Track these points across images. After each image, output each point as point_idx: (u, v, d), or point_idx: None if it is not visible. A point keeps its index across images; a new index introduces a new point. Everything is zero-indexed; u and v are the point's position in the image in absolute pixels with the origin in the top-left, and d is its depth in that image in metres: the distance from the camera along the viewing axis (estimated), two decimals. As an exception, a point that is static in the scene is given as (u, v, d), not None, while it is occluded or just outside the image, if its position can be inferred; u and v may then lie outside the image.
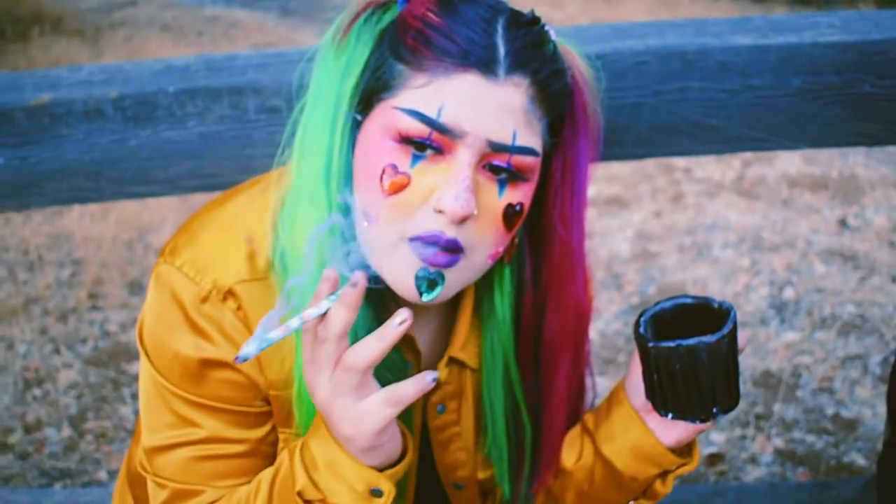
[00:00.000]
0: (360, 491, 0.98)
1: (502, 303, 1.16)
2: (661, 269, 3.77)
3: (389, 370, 1.08)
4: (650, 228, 4.15)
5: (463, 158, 0.97)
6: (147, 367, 1.10)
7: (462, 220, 0.97)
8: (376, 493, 0.99)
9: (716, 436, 2.72)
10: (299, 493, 1.00)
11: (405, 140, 0.97)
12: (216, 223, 1.10)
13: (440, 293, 1.01)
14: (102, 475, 2.76)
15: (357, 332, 1.04)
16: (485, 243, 1.02)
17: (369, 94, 1.01)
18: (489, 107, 0.96)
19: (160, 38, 7.85)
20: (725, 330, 1.05)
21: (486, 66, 0.96)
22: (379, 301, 1.07)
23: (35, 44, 7.53)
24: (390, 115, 0.98)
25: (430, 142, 0.97)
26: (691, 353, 1.04)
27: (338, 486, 0.98)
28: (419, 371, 1.15)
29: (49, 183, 1.39)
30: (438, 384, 1.18)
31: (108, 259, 4.00)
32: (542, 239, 1.13)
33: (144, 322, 1.10)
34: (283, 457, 1.03)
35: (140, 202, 4.20)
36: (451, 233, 0.98)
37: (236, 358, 0.90)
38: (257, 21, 9.22)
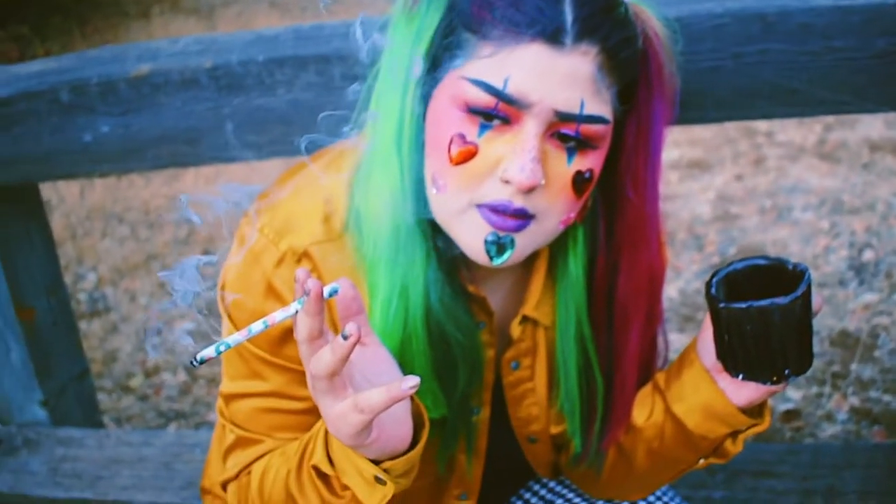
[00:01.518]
0: (366, 477, 0.92)
1: (576, 263, 1.11)
2: (741, 230, 3.64)
3: (461, 331, 1.05)
4: (732, 191, 4.00)
5: (530, 129, 0.92)
6: (226, 319, 1.09)
7: (529, 190, 0.93)
8: (380, 480, 0.92)
9: (792, 392, 2.63)
10: (314, 467, 0.96)
11: (472, 110, 0.93)
12: (297, 186, 1.07)
13: (510, 257, 0.97)
14: (213, 417, 2.83)
15: (430, 296, 1.01)
16: (555, 210, 0.97)
17: (439, 61, 0.97)
18: (556, 76, 0.91)
19: (268, 14, 7.90)
20: (799, 292, 0.98)
21: (552, 35, 0.90)
22: (451, 264, 1.04)
23: (155, 22, 7.68)
24: (458, 84, 0.94)
25: (496, 112, 0.92)
26: (763, 315, 0.98)
27: (349, 467, 0.93)
28: (491, 330, 1.12)
29: (150, 149, 1.40)
30: (511, 341, 1.14)
31: (220, 218, 4.07)
32: (614, 203, 1.07)
33: (227, 280, 1.09)
34: (319, 424, 0.98)
35: (247, 165, 4.25)
36: (518, 202, 0.94)
37: (193, 360, 0.82)
38: (358, -5, 9.21)
